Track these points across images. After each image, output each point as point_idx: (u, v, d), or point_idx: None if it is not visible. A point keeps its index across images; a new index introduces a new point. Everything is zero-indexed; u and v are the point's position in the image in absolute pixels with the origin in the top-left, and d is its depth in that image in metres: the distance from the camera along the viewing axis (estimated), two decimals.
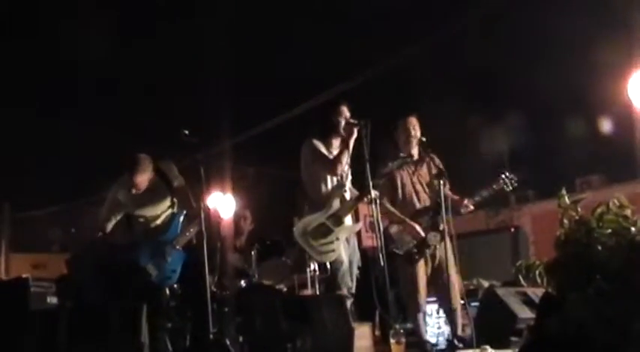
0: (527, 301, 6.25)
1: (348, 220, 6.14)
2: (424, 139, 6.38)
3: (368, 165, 5.93)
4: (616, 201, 2.90)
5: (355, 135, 6.01)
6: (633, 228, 2.77)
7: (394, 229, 6.29)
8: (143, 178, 6.08)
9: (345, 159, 6.09)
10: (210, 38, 10.45)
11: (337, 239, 6.01)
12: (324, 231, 6.00)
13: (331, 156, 6.14)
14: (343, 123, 6.12)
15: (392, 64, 10.26)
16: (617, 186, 11.16)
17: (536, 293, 6.44)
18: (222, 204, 9.84)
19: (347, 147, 6.06)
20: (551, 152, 12.14)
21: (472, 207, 6.40)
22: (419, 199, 6.39)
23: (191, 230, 6.06)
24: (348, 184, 6.21)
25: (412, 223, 6.24)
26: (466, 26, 10.02)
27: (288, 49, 11.22)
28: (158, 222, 6.22)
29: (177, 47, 11.09)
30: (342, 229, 6.04)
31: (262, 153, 10.68)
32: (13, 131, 11.71)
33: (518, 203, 11.51)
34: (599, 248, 2.66)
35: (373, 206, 5.88)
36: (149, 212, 6.19)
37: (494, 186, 6.41)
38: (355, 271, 6.15)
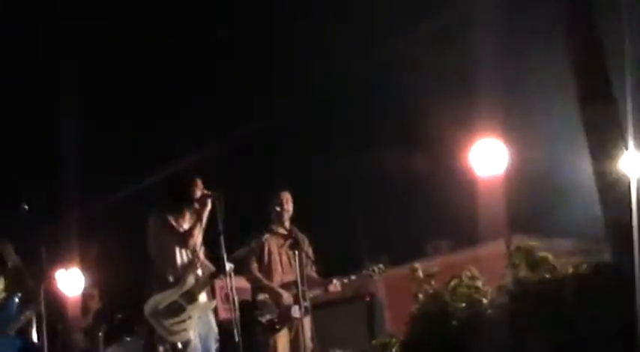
0: None
1: (202, 297, 5.86)
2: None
3: (222, 238, 5.74)
4: (468, 272, 2.87)
5: (209, 207, 5.80)
6: (484, 300, 2.73)
7: (260, 297, 6.14)
8: None
9: (198, 231, 5.85)
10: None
11: (189, 317, 5.70)
12: (176, 309, 5.66)
13: (182, 229, 5.88)
14: (197, 194, 5.90)
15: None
16: (463, 250, 11.49)
17: None
18: (68, 281, 9.28)
19: (200, 219, 5.82)
20: (402, 219, 12.39)
21: (339, 288, 6.40)
22: (283, 271, 6.31)
23: (27, 313, 5.57)
24: (202, 257, 5.96)
25: (280, 290, 6.15)
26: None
27: (135, 120, 10.95)
28: None
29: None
30: (195, 307, 5.74)
31: (110, 227, 10.19)
32: None
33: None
34: (454, 323, 2.60)
35: (228, 279, 5.68)
36: None
37: (364, 272, 6.52)
38: (213, 346, 5.82)
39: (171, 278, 5.77)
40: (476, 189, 10.04)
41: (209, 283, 5.94)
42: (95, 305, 7.70)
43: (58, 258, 7.82)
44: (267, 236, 6.32)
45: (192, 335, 5.71)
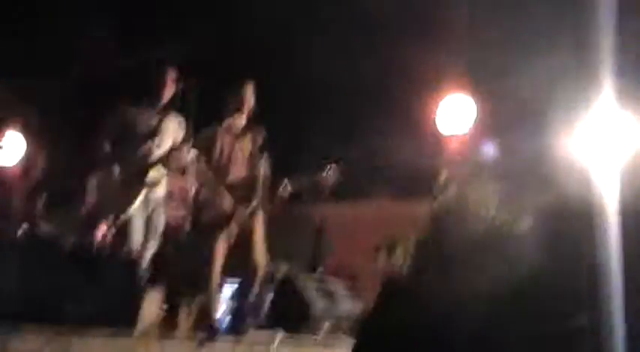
0: (325, 291, 6.08)
1: (153, 175, 5.61)
2: (253, 109, 6.00)
3: (191, 124, 5.51)
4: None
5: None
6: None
7: (205, 194, 5.83)
8: None
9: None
10: None
11: (137, 194, 5.46)
12: (125, 185, 5.45)
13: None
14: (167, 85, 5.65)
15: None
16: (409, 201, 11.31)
17: (335, 284, 6.31)
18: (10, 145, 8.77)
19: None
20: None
21: (288, 191, 6.03)
22: (236, 169, 5.95)
23: None
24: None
25: (224, 191, 5.79)
26: None
27: None
28: None
29: None
30: (145, 184, 5.53)
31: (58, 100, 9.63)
32: None
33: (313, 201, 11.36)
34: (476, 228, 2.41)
35: (191, 167, 5.43)
36: None
37: (317, 177, 6.10)
38: (158, 232, 5.58)
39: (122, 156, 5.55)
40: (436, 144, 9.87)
41: (164, 160, 5.66)
42: (36, 173, 7.32)
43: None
44: (218, 129, 5.93)
45: (139, 213, 5.49)
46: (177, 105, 5.75)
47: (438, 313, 2.32)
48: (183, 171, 5.99)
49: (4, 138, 8.76)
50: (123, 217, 5.44)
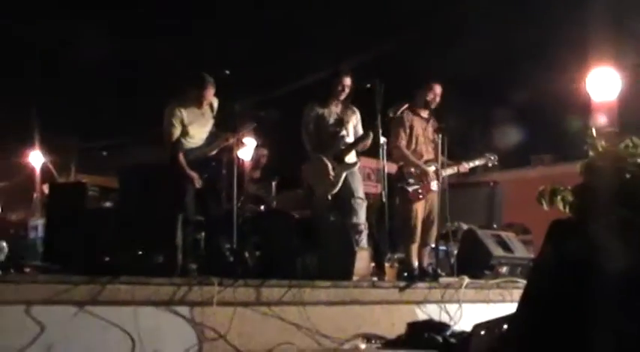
0: (501, 242, 6.00)
1: (348, 158, 5.86)
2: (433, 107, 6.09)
3: (379, 119, 5.62)
4: (630, 142, 2.55)
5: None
6: None
7: (409, 169, 5.93)
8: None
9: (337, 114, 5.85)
10: None
11: (337, 175, 5.72)
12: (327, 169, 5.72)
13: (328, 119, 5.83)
14: (339, 88, 5.83)
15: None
16: (566, 163, 10.80)
17: (509, 236, 6.20)
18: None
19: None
20: (512, 128, 11.80)
21: (467, 170, 6.20)
22: (426, 151, 6.06)
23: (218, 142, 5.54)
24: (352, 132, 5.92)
25: (426, 168, 5.93)
26: None
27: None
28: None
29: None
30: (342, 167, 5.76)
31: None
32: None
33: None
34: (628, 176, 2.33)
35: (380, 151, 5.57)
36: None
37: (482, 161, 6.29)
38: (358, 202, 5.78)
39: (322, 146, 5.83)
40: (588, 112, 9.38)
41: (354, 147, 5.86)
42: (264, 161, 7.78)
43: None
44: (408, 114, 5.99)
45: (337, 188, 5.75)
46: (349, 100, 5.92)
47: (600, 247, 2.24)
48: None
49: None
50: (330, 194, 5.72)
